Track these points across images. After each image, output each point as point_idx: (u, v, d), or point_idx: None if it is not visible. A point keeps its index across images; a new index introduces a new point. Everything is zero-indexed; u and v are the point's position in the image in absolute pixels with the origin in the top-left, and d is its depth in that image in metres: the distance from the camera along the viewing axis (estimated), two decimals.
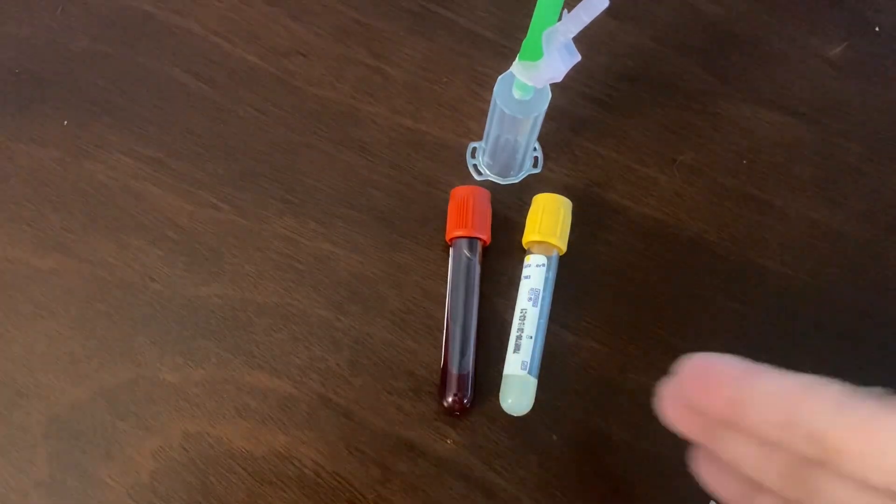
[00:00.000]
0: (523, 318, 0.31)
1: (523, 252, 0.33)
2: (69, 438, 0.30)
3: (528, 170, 0.35)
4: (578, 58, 0.27)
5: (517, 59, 0.29)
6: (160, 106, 0.36)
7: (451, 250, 0.33)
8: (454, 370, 0.30)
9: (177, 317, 0.32)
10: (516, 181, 0.35)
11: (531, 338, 0.31)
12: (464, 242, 0.32)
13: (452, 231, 0.33)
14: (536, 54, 0.28)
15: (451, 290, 0.32)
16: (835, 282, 0.34)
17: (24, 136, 0.35)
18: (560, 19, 0.26)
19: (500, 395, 0.31)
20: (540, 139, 0.36)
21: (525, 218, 0.33)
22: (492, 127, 0.33)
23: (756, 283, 0.34)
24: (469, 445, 0.30)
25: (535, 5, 0.27)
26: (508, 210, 0.34)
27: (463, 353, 0.31)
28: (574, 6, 0.25)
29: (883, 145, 0.37)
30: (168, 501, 0.29)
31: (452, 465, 0.30)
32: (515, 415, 0.30)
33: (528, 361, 0.30)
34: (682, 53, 0.39)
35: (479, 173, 0.35)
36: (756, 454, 0.20)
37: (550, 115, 0.35)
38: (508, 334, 0.31)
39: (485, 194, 0.33)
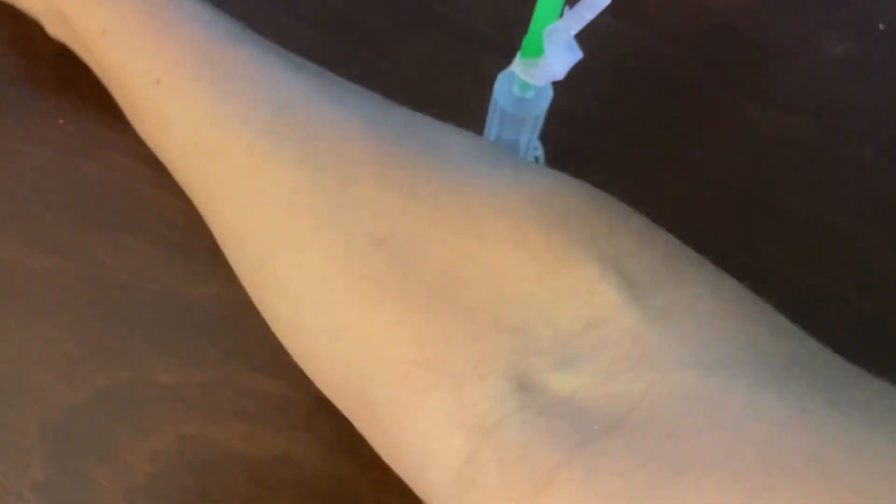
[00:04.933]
0: None
1: None
2: (65, 441, 0.29)
3: None
4: (580, 55, 0.27)
5: (518, 56, 0.29)
6: None
7: None
8: None
9: (173, 318, 0.31)
10: None
11: None
12: None
13: None
14: (537, 52, 0.28)
15: None
16: (841, 283, 0.34)
17: (19, 135, 0.35)
18: (561, 16, 0.26)
19: None
20: (541, 138, 0.35)
21: None
22: (492, 126, 0.33)
23: (760, 284, 0.34)
24: None
25: (535, 2, 0.26)
26: None
27: None
28: (576, 3, 0.25)
29: (889, 144, 0.37)
30: None
31: None
32: None
33: None
34: (684, 51, 0.39)
35: None
36: None
37: (552, 114, 0.34)
38: None
39: None
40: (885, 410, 0.18)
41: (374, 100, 0.26)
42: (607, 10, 0.24)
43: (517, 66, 0.29)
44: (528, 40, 0.28)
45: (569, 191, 0.23)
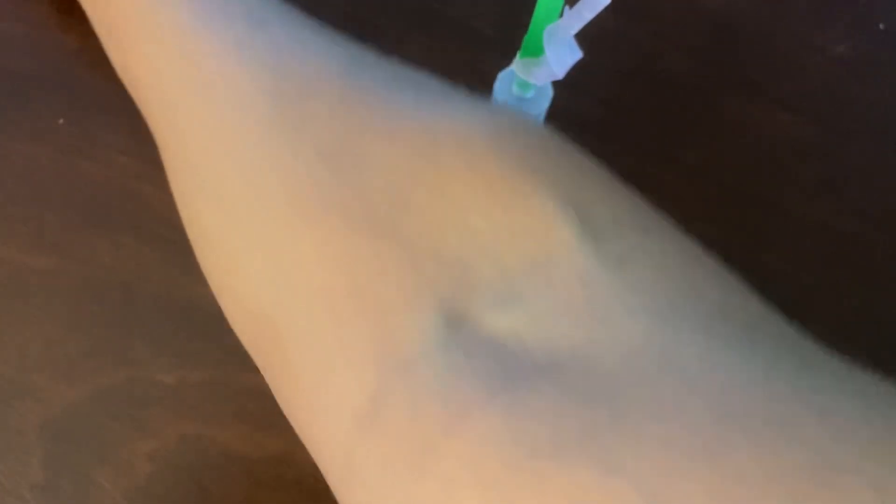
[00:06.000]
0: None
1: None
2: (65, 441, 0.29)
3: None
4: (580, 55, 0.26)
5: (518, 56, 0.29)
6: None
7: None
8: None
9: (173, 318, 0.31)
10: None
11: None
12: None
13: None
14: (537, 51, 0.28)
15: None
16: (842, 283, 0.34)
17: (18, 135, 0.35)
18: (561, 16, 0.26)
19: None
20: None
21: None
22: None
23: (761, 284, 0.34)
24: None
25: (535, 1, 0.26)
26: None
27: None
28: (576, 3, 0.25)
29: (889, 144, 0.37)
30: None
31: None
32: None
33: None
34: (684, 51, 0.39)
35: None
36: None
37: (552, 114, 0.34)
38: None
39: None
40: (860, 382, 0.16)
41: (351, 43, 0.26)
42: (607, 10, 0.24)
43: (517, 66, 0.29)
44: (528, 40, 0.28)
45: (541, 133, 0.22)
